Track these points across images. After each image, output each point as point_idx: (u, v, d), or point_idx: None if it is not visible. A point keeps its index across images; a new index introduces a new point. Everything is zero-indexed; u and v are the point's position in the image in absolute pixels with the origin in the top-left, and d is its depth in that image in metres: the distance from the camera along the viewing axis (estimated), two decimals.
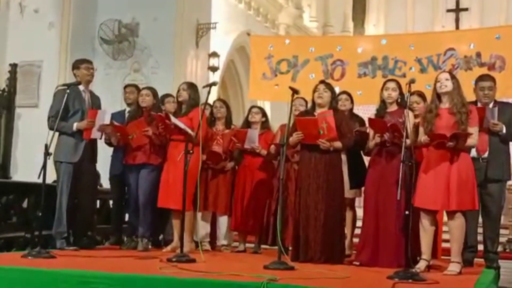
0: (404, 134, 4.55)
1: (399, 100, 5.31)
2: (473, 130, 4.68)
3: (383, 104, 5.36)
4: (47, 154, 5.13)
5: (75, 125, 5.77)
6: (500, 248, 6.02)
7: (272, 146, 6.08)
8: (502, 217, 5.91)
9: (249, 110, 6.51)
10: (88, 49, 10.36)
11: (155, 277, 3.95)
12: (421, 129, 4.83)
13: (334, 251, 5.18)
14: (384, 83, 5.40)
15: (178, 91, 5.94)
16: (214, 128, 6.31)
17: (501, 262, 5.62)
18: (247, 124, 6.38)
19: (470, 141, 4.66)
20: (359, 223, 5.69)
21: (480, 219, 5.51)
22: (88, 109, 5.86)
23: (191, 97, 5.84)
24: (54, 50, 10.32)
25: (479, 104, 5.48)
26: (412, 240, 4.44)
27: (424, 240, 4.73)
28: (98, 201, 7.27)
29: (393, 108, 5.29)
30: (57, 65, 10.27)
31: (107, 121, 5.89)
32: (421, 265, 4.67)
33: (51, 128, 5.55)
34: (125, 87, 6.86)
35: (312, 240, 5.15)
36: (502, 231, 6.02)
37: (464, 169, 4.62)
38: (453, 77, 4.81)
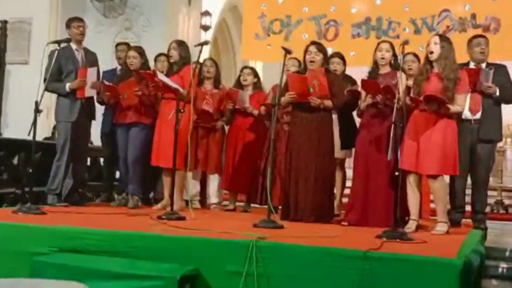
0: (396, 96, 4.53)
1: (392, 62, 5.28)
2: (460, 97, 4.65)
3: (375, 66, 5.32)
4: (37, 111, 5.11)
5: (67, 86, 5.80)
6: (487, 209, 6.08)
7: (263, 107, 6.07)
8: (491, 179, 5.95)
9: (241, 71, 6.47)
10: (79, 6, 10.19)
11: (145, 234, 3.95)
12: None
13: (323, 211, 5.22)
14: (378, 45, 5.35)
15: (169, 50, 5.88)
16: (202, 87, 6.26)
17: (489, 223, 5.69)
18: (239, 85, 6.35)
19: (456, 107, 4.63)
20: (348, 184, 5.73)
21: (469, 180, 5.56)
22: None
23: (182, 55, 5.79)
24: (44, 7, 10.15)
25: (471, 65, 5.46)
26: (400, 201, 4.47)
27: (412, 201, 4.77)
28: (89, 159, 7.28)
29: (386, 70, 5.26)
30: (48, 22, 10.12)
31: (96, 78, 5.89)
32: (411, 225, 4.72)
33: (46, 90, 5.57)
34: (117, 45, 6.82)
35: (301, 200, 5.19)
36: (490, 193, 6.07)
37: (448, 135, 4.62)
38: (443, 40, 4.74)
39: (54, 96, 6.04)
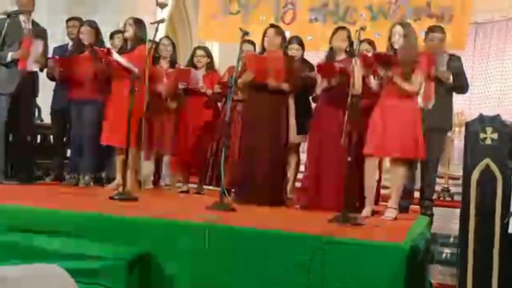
0: (352, 81, 4.57)
1: (348, 49, 5.32)
2: (415, 77, 4.72)
3: (332, 51, 5.36)
4: None
5: (9, 55, 5.61)
6: (434, 196, 6.24)
7: (217, 86, 6.02)
8: (439, 167, 6.09)
9: (194, 52, 6.41)
10: None
11: (96, 214, 3.90)
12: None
13: (276, 194, 5.26)
14: (335, 32, 5.36)
15: (124, 26, 5.78)
16: (158, 66, 6.19)
17: (435, 209, 5.83)
18: (192, 65, 6.29)
19: (409, 86, 4.69)
20: (302, 168, 5.78)
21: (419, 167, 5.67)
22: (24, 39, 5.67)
23: (137, 33, 5.70)
24: None
25: None
26: (353, 186, 4.53)
27: (368, 187, 4.84)
28: (39, 136, 7.12)
29: (342, 56, 5.30)
30: None
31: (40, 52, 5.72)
32: (367, 211, 4.80)
33: None
34: (68, 20, 6.61)
35: (254, 182, 5.20)
36: (437, 180, 6.22)
37: (410, 117, 4.70)
38: (406, 28, 4.79)
39: None
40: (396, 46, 4.76)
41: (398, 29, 4.77)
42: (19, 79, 5.64)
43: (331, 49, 5.34)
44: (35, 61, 5.68)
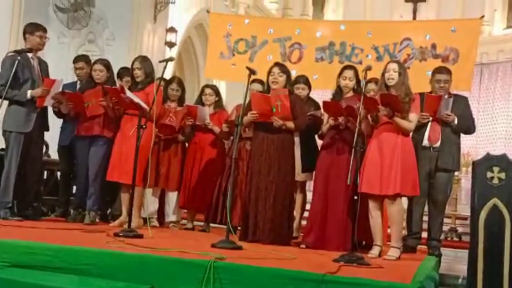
0: (358, 119, 4.59)
1: (355, 88, 5.36)
2: (412, 116, 4.76)
3: (339, 90, 5.40)
4: None
5: (29, 93, 5.66)
6: (442, 237, 6.18)
7: (225, 124, 6.05)
8: (446, 207, 6.06)
9: (202, 90, 6.46)
10: (42, 15, 10.03)
11: (101, 251, 3.89)
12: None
13: (282, 233, 5.22)
14: (342, 71, 5.42)
15: (133, 70, 5.81)
16: (166, 104, 6.24)
17: (443, 250, 5.78)
18: (201, 103, 6.34)
19: (407, 124, 4.72)
20: (308, 206, 5.75)
21: (426, 207, 5.64)
22: (43, 78, 5.77)
23: (147, 72, 5.76)
24: (6, 15, 9.97)
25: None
26: (359, 225, 4.50)
27: (374, 226, 4.80)
28: (45, 172, 7.14)
29: (349, 95, 5.34)
30: (8, 30, 9.93)
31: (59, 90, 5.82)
32: (375, 251, 4.75)
33: (4, 97, 5.43)
34: (75, 62, 6.61)
35: (260, 221, 5.18)
36: (444, 220, 6.17)
37: (406, 154, 4.72)
38: (400, 67, 4.86)
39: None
40: (389, 83, 4.80)
41: (393, 66, 4.84)
42: (35, 118, 5.70)
43: (338, 87, 5.39)
44: (52, 98, 5.76)
